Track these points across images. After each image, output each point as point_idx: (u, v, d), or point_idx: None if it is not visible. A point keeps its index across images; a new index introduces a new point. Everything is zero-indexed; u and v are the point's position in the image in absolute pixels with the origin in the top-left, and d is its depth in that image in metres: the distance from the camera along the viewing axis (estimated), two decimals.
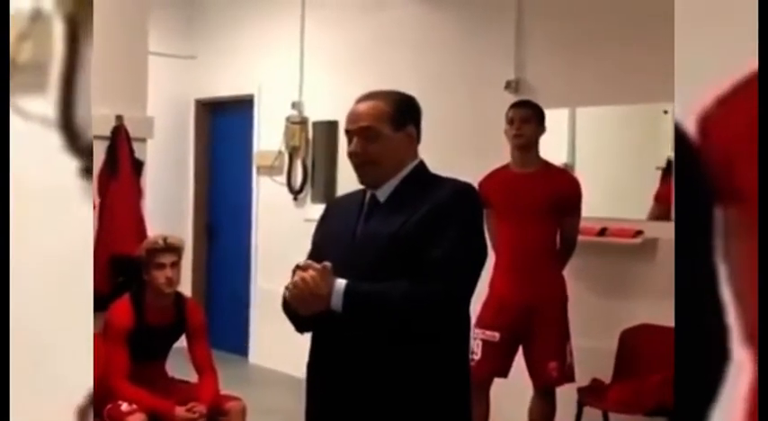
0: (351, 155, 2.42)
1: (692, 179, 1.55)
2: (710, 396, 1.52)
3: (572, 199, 4.44)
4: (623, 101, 4.87)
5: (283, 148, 6.89)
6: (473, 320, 2.90)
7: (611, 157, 5.08)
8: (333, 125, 6.43)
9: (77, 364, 2.13)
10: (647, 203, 4.79)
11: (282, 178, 6.93)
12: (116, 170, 4.59)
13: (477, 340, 4.35)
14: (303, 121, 6.77)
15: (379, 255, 2.31)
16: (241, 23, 7.30)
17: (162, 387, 4.07)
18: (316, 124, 6.71)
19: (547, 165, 4.51)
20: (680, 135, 1.57)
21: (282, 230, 6.82)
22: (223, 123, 7.83)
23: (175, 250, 4.04)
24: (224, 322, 7.16)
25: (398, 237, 2.29)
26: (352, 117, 2.42)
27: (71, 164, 2.13)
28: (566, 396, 4.43)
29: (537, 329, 4.36)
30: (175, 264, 4.02)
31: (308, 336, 2.47)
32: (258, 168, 7.20)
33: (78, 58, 2.13)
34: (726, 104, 1.50)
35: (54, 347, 2.11)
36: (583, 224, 4.54)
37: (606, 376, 4.57)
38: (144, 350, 4.00)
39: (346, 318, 2.24)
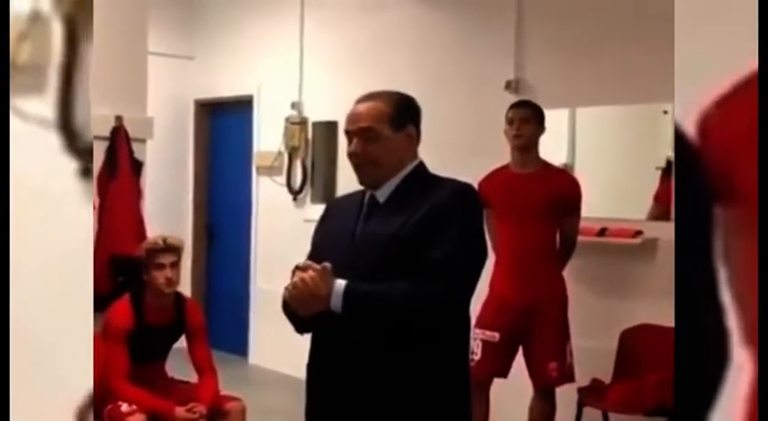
0: (350, 155, 2.42)
1: (692, 180, 1.55)
2: (710, 397, 1.52)
3: (572, 199, 4.44)
4: (623, 101, 4.87)
5: (283, 149, 6.89)
6: (473, 321, 2.90)
7: (610, 158, 5.08)
8: (332, 125, 6.43)
9: (77, 365, 2.13)
10: (647, 203, 4.79)
11: (282, 178, 6.93)
12: (115, 170, 4.59)
13: (477, 340, 4.35)
14: (303, 122, 6.77)
15: (379, 255, 2.30)
16: (241, 24, 7.30)
17: (162, 387, 4.07)
18: (315, 124, 6.71)
19: (546, 165, 4.51)
20: (680, 135, 1.57)
21: (282, 231, 6.83)
22: (222, 124, 7.83)
23: (175, 250, 4.04)
24: (224, 322, 7.16)
25: (398, 238, 2.29)
26: (352, 117, 2.42)
27: (70, 165, 2.13)
28: (566, 396, 4.43)
29: (537, 329, 4.36)
30: (175, 265, 4.02)
31: (307, 337, 2.47)
32: (258, 169, 7.20)
33: (77, 58, 2.13)
34: (724, 105, 1.50)
35: (54, 348, 2.11)
36: (582, 224, 4.54)
37: (606, 376, 4.57)
38: (144, 350, 4.00)
39: (346, 319, 2.24)
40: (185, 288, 6.13)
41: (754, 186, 1.45)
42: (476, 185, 2.78)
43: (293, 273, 2.27)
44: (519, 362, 4.45)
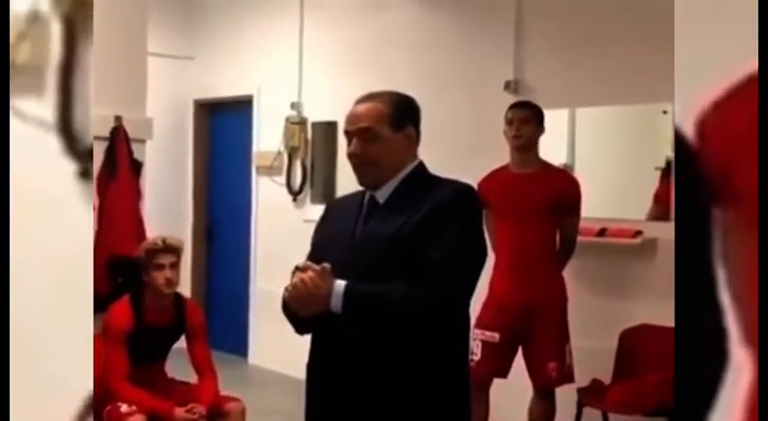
0: (350, 156, 2.42)
1: (692, 181, 1.55)
2: (710, 397, 1.52)
3: (571, 199, 4.44)
4: (622, 101, 4.87)
5: (282, 149, 6.89)
6: (473, 321, 2.90)
7: (610, 158, 5.08)
8: (332, 125, 6.43)
9: (77, 366, 2.13)
10: (647, 203, 4.79)
11: (282, 179, 6.93)
12: (115, 171, 4.59)
13: (476, 341, 4.34)
14: (302, 122, 6.77)
15: (379, 255, 2.30)
16: (240, 24, 7.30)
17: (161, 388, 4.07)
18: (315, 125, 6.71)
19: (546, 165, 4.51)
20: (679, 136, 1.57)
21: (282, 231, 6.83)
22: (222, 124, 7.83)
23: (174, 251, 4.04)
24: (223, 323, 7.16)
25: (398, 238, 2.29)
26: (352, 118, 2.42)
27: (70, 167, 2.13)
28: (565, 396, 4.43)
29: (536, 330, 4.36)
30: (175, 265, 4.02)
31: (307, 337, 2.47)
32: (257, 169, 7.20)
33: (76, 59, 2.12)
34: (722, 107, 1.50)
35: (54, 349, 2.11)
36: (582, 224, 4.54)
37: (606, 376, 4.57)
38: (143, 351, 3.99)
39: (346, 320, 2.24)
40: (185, 288, 6.12)
41: (753, 187, 1.46)
42: (475, 186, 2.78)
43: (293, 273, 2.27)
44: (519, 362, 4.45)
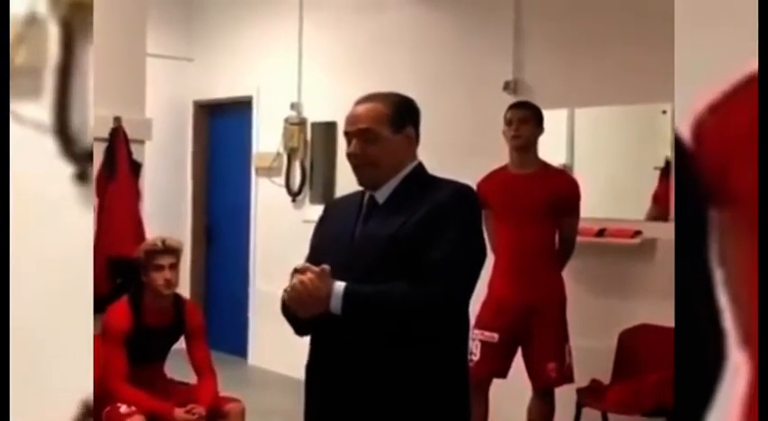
0: (350, 156, 2.42)
1: (690, 182, 1.55)
2: (708, 397, 1.52)
3: (570, 199, 4.44)
4: (622, 101, 4.88)
5: (282, 150, 6.89)
6: (472, 321, 2.90)
7: (609, 158, 5.08)
8: (331, 126, 6.43)
9: (77, 367, 2.13)
10: (646, 204, 4.79)
11: (281, 179, 6.93)
12: (114, 172, 4.59)
13: (475, 341, 4.34)
14: (301, 123, 6.77)
15: (378, 256, 2.30)
16: (239, 25, 7.29)
17: (161, 388, 4.07)
18: (314, 125, 6.71)
19: (545, 165, 4.51)
20: (679, 137, 1.58)
21: (281, 232, 6.82)
22: (221, 125, 7.83)
23: (174, 252, 4.04)
24: (223, 323, 7.16)
25: (397, 239, 2.29)
26: (351, 119, 2.42)
27: (67, 169, 2.13)
28: (565, 396, 4.43)
29: (536, 330, 4.36)
30: (174, 266, 4.01)
31: (307, 338, 2.47)
32: (257, 170, 7.20)
33: (74, 62, 2.12)
34: (718, 110, 1.50)
35: (54, 350, 2.11)
36: (581, 225, 4.54)
37: (605, 376, 4.57)
38: (142, 352, 3.99)
39: (345, 321, 2.24)
40: (184, 289, 6.12)
41: (749, 189, 1.46)
42: (474, 186, 2.78)
43: (292, 276, 2.27)
44: (518, 362, 4.45)
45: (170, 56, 7.33)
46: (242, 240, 7.33)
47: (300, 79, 6.80)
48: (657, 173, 4.73)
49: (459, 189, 2.40)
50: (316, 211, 2.96)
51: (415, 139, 2.47)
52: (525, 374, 4.43)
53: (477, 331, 4.34)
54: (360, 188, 2.48)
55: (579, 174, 4.78)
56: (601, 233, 4.81)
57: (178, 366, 4.28)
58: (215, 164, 7.88)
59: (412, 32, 6.03)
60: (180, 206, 7.75)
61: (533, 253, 4.38)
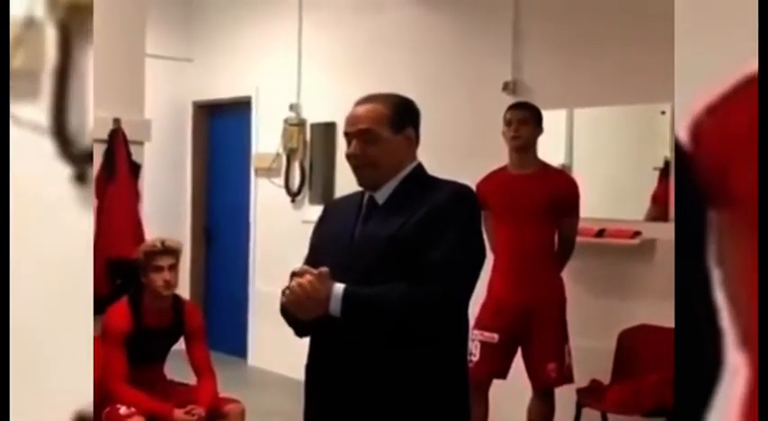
0: (349, 157, 2.42)
1: (689, 183, 1.56)
2: (707, 398, 1.52)
3: (570, 200, 4.44)
4: (621, 101, 4.88)
5: (281, 150, 6.89)
6: (471, 322, 2.90)
7: (608, 158, 5.08)
8: (330, 127, 6.43)
9: (77, 369, 2.13)
10: (645, 204, 4.79)
11: (280, 180, 6.93)
12: (113, 173, 4.59)
13: (475, 341, 4.34)
14: (301, 123, 6.77)
15: (378, 256, 2.30)
16: (238, 26, 7.29)
17: (160, 390, 4.06)
18: (313, 126, 6.71)
19: (544, 166, 4.51)
20: (678, 138, 1.58)
21: (280, 232, 6.82)
22: (221, 125, 7.83)
23: (173, 253, 4.04)
24: (222, 324, 7.16)
25: (397, 239, 2.29)
26: (351, 119, 2.42)
27: (65, 171, 2.13)
28: (564, 397, 4.43)
29: (535, 331, 4.36)
30: (173, 267, 4.01)
31: (306, 339, 2.47)
32: (256, 170, 7.20)
33: (72, 64, 2.13)
34: (716, 112, 1.50)
35: (54, 352, 2.11)
36: (581, 225, 4.54)
37: (605, 377, 4.57)
38: (142, 353, 3.99)
39: (345, 322, 2.24)
40: (184, 290, 6.12)
41: (748, 190, 1.46)
42: (474, 187, 2.78)
43: (290, 279, 2.26)
44: (518, 363, 4.45)
45: (169, 56, 7.33)
46: (241, 241, 7.33)
47: (300, 80, 6.80)
48: (657, 173, 4.73)
49: (459, 190, 2.40)
50: (315, 212, 2.96)
51: (415, 140, 2.47)
52: (525, 375, 4.43)
53: (476, 332, 4.34)
54: (359, 189, 2.48)
55: (578, 175, 4.78)
56: (600, 233, 4.81)
57: (178, 367, 4.28)
58: (214, 164, 7.88)
59: (411, 33, 6.03)
60: (179, 207, 7.75)
61: (533, 253, 4.38)
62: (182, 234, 7.29)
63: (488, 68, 5.45)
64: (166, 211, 7.19)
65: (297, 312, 2.26)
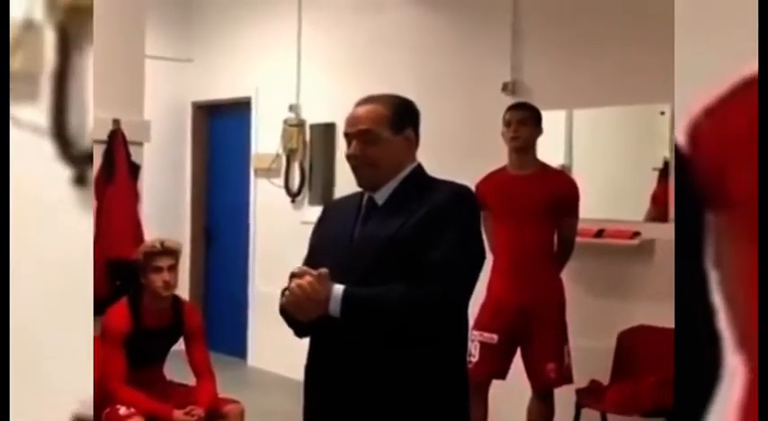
0: (349, 157, 2.42)
1: (688, 184, 1.56)
2: (707, 399, 1.52)
3: (569, 200, 4.44)
4: (620, 102, 4.88)
5: (281, 151, 6.89)
6: (471, 322, 2.90)
7: (608, 159, 5.08)
8: (330, 127, 6.43)
9: (77, 369, 2.13)
10: (645, 204, 4.79)
11: (280, 181, 6.93)
12: (113, 174, 4.59)
13: (474, 342, 4.34)
14: (300, 124, 6.77)
15: (377, 257, 2.30)
16: (238, 26, 7.30)
17: (160, 390, 4.06)
18: (313, 126, 6.71)
19: (544, 166, 4.51)
20: (678, 139, 1.58)
21: (280, 233, 6.82)
22: (220, 126, 7.83)
23: (173, 253, 4.04)
24: (222, 325, 7.16)
25: (396, 240, 2.29)
26: (351, 120, 2.42)
27: (64, 172, 2.13)
28: (564, 397, 4.43)
29: (535, 331, 4.36)
30: (173, 268, 4.01)
31: (306, 339, 2.47)
32: (256, 171, 7.20)
33: (71, 66, 2.13)
34: (715, 113, 1.51)
35: (54, 352, 2.11)
36: (580, 225, 4.54)
37: (604, 377, 4.57)
38: (142, 353, 3.99)
39: (345, 323, 2.24)
40: (183, 290, 6.12)
41: (746, 192, 1.46)
42: (473, 187, 2.78)
43: (290, 280, 2.26)
44: (517, 363, 4.45)
45: (169, 57, 7.32)
46: (241, 241, 7.33)
47: (299, 80, 6.81)
48: (656, 174, 4.74)
49: (458, 190, 2.40)
50: (315, 212, 2.96)
51: (415, 141, 2.47)
52: (524, 375, 4.44)
53: (476, 332, 4.34)
54: (359, 189, 2.48)
55: (578, 175, 4.79)
56: (599, 234, 4.81)
57: (177, 368, 4.28)
58: (214, 165, 7.88)
59: (411, 33, 6.03)
60: (179, 207, 7.75)
61: (532, 254, 4.38)
62: (181, 234, 7.29)
63: (488, 69, 5.45)
64: (166, 212, 7.20)
65: (296, 313, 2.26)
